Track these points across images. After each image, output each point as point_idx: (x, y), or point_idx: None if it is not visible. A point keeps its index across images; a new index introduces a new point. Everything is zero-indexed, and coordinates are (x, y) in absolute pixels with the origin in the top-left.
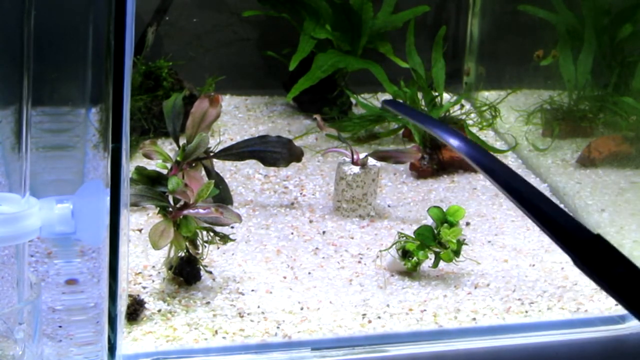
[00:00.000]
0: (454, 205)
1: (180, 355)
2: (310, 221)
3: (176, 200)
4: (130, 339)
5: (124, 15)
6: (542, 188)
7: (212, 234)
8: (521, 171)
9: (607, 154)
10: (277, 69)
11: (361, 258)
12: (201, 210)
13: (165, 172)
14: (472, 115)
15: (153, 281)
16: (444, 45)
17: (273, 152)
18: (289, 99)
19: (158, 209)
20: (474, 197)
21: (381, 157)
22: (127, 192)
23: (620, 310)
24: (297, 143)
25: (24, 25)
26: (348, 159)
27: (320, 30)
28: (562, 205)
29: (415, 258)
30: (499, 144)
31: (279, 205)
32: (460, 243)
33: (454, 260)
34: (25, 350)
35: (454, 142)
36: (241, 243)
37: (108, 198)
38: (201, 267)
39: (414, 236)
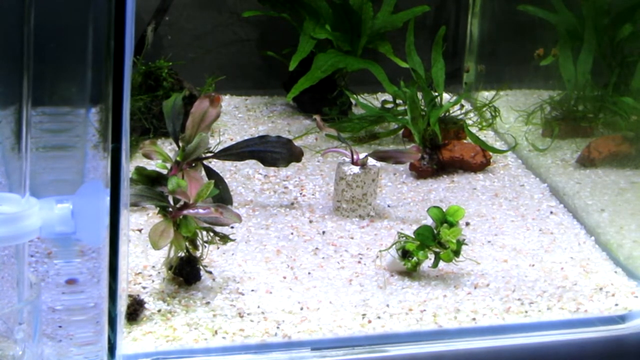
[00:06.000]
0: (453, 205)
1: (180, 355)
2: (310, 221)
3: (176, 200)
4: (130, 339)
5: (123, 15)
6: (542, 188)
7: (212, 234)
8: (521, 171)
9: (607, 154)
10: (277, 69)
11: (361, 258)
12: (201, 210)
13: (165, 172)
14: (472, 114)
15: (153, 281)
16: (443, 45)
17: (273, 152)
18: (289, 99)
19: (158, 209)
20: (473, 197)
21: (381, 157)
22: (127, 192)
23: (620, 310)
24: (297, 143)
25: (24, 26)
26: (348, 159)
27: (320, 31)
28: (561, 206)
29: (415, 258)
30: (498, 144)
31: (279, 206)
32: (460, 243)
33: (453, 260)
34: (26, 350)
35: None
36: (241, 243)
37: (108, 198)
38: (201, 267)
39: (413, 236)
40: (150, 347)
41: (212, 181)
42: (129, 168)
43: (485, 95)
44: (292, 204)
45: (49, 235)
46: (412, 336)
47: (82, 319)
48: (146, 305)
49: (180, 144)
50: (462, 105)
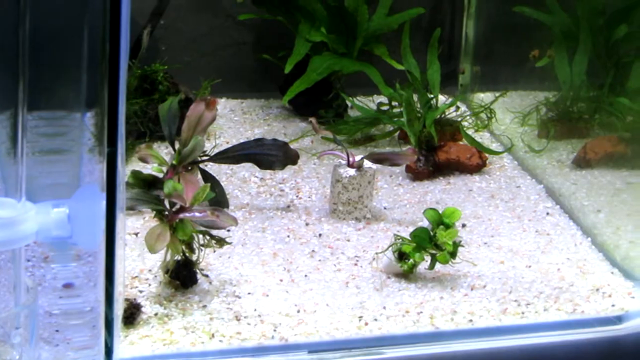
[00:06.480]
0: (450, 207)
1: (177, 358)
2: (307, 224)
3: (172, 204)
4: (127, 343)
5: (118, 18)
6: (538, 189)
7: (208, 237)
8: (517, 172)
9: (603, 154)
10: (273, 72)
11: (357, 260)
12: (197, 214)
13: (161, 175)
14: (468, 116)
15: (149, 285)
16: (439, 47)
17: (269, 155)
18: (285, 101)
19: (154, 212)
20: (470, 198)
21: (377, 159)
22: (123, 196)
23: (617, 311)
24: (292, 146)
25: (19, 30)
26: (344, 162)
27: (316, 33)
28: (558, 207)
29: (411, 260)
30: (494, 146)
31: (275, 208)
32: (456, 245)
33: (450, 262)
34: (23, 354)
35: None
36: (237, 246)
37: (104, 202)
38: (197, 271)
39: (410, 238)
40: (147, 351)
41: (208, 184)
42: (125, 172)
43: (481, 96)
44: (289, 206)
45: (45, 240)
46: (409, 338)
47: (78, 322)
48: (143, 309)
49: (176, 148)
50: (458, 107)
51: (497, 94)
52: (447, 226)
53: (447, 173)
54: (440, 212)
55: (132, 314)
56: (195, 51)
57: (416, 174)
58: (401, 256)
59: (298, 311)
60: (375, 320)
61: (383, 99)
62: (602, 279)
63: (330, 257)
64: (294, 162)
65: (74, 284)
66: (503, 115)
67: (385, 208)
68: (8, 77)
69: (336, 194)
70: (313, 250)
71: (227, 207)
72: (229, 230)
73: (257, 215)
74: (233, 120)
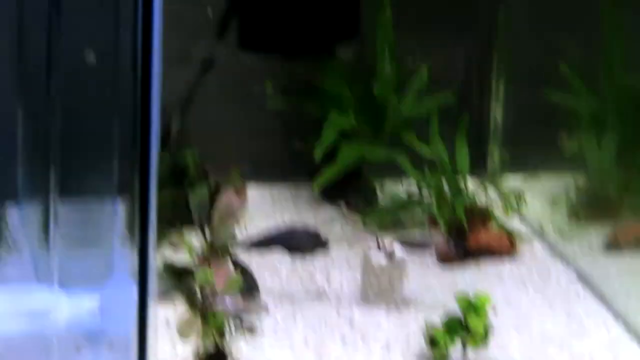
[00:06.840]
0: (480, 292)
1: None
2: (338, 311)
3: (204, 293)
4: None
5: (149, 106)
6: (569, 273)
7: (239, 325)
8: (547, 257)
9: (634, 238)
10: (302, 158)
11: (390, 348)
12: (228, 302)
13: (192, 264)
14: (497, 201)
15: None
16: (467, 132)
17: (299, 242)
18: (315, 189)
19: (186, 301)
20: (500, 283)
21: (407, 245)
22: (154, 285)
23: None
24: (322, 232)
25: (50, 117)
26: (375, 248)
27: (344, 121)
28: (589, 291)
29: (443, 346)
30: (525, 230)
31: (306, 295)
32: (487, 330)
33: (481, 347)
34: None
35: None
36: (268, 333)
37: (136, 291)
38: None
39: (441, 324)
40: None
41: (239, 274)
42: (156, 260)
43: (510, 180)
44: (320, 293)
45: (77, 329)
46: None
47: None
48: None
49: (207, 236)
50: (487, 192)
51: (527, 177)
52: (478, 311)
53: (477, 258)
54: (470, 297)
55: None
56: (224, 139)
57: (446, 260)
58: (432, 343)
59: None
60: None
61: (412, 182)
62: None
63: (361, 345)
64: (324, 249)
65: None
66: (533, 199)
67: (416, 294)
68: (39, 165)
69: (367, 281)
70: (345, 338)
71: (258, 293)
72: (259, 318)
73: (288, 302)
74: (263, 207)
